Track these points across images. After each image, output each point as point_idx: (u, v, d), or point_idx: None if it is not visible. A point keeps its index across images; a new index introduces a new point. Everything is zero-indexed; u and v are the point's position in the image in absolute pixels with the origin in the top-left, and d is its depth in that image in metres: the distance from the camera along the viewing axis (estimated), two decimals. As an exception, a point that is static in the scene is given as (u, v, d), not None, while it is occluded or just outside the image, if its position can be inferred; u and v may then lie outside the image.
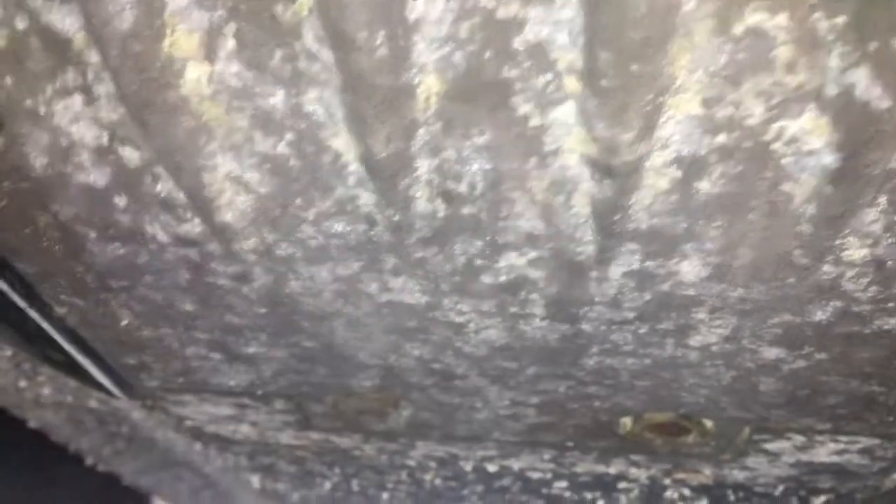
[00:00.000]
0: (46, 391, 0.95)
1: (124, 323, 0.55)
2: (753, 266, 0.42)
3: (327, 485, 0.91)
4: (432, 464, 0.80)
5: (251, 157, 0.39)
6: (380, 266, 0.46)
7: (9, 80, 0.37)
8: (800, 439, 0.63)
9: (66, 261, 0.49)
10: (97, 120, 0.38)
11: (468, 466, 0.80)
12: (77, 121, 0.39)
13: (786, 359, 0.51)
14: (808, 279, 0.42)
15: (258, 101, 0.37)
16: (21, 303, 0.56)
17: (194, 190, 0.41)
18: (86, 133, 0.39)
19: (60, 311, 0.55)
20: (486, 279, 0.46)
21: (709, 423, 0.63)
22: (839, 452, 0.64)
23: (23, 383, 0.92)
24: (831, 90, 0.33)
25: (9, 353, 0.86)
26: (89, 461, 1.17)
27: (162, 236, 0.45)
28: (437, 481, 0.86)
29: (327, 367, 0.59)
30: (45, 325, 0.60)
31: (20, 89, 0.38)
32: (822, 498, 0.77)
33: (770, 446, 0.65)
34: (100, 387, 0.73)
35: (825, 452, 0.65)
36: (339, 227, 0.43)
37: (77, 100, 0.38)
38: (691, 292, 0.45)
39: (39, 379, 0.91)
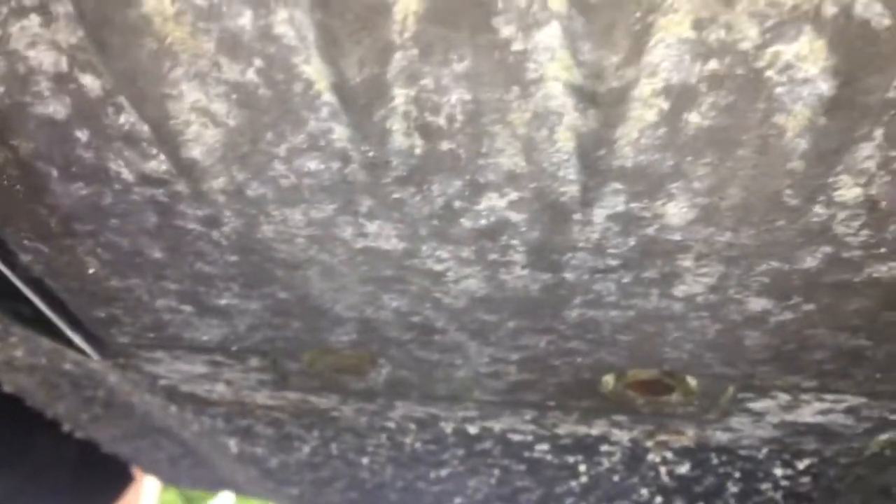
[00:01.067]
0: (19, 353, 0.93)
1: (91, 272, 0.53)
2: (742, 207, 0.40)
3: (306, 449, 0.89)
4: (412, 426, 0.79)
5: (218, 85, 0.37)
6: (355, 208, 0.44)
7: (-41, -1, 0.35)
8: (785, 398, 0.62)
9: (28, 202, 0.47)
10: (55, 43, 0.36)
11: (448, 428, 0.79)
12: (34, 44, 0.37)
13: (772, 310, 0.49)
14: (798, 222, 0.41)
15: (225, 21, 0.35)
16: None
17: (159, 122, 0.39)
18: (44, 58, 0.37)
19: (25, 258, 0.53)
20: (466, 223, 0.44)
21: (693, 382, 0.62)
22: (824, 412, 0.63)
23: (-6, 344, 0.90)
24: (829, 9, 0.31)
25: (-22, 312, 0.84)
26: (66, 427, 1.15)
27: (127, 174, 0.43)
28: (418, 445, 0.84)
29: (302, 320, 0.57)
30: (11, 276, 0.58)
31: None
32: (807, 461, 0.76)
33: (754, 405, 0.64)
34: (71, 344, 0.71)
35: (810, 412, 0.64)
36: (312, 164, 0.41)
37: (34, 20, 0.36)
38: (677, 237, 0.43)
39: (12, 340, 0.89)
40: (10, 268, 0.56)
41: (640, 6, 0.31)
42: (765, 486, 0.84)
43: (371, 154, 0.40)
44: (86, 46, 0.36)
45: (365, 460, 0.92)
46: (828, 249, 0.43)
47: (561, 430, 0.75)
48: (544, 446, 0.81)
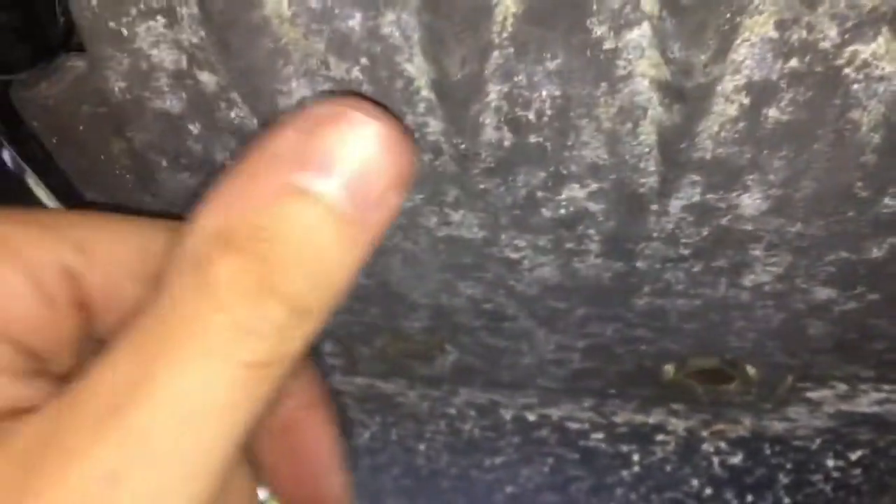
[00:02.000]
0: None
1: (185, 257, 0.56)
2: (815, 198, 0.43)
3: (366, 434, 0.93)
4: (472, 412, 0.82)
5: (325, 81, 0.40)
6: (441, 198, 0.47)
7: (94, 2, 0.39)
8: (842, 388, 0.64)
9: (136, 190, 0.50)
10: (178, 42, 0.40)
11: (508, 416, 0.82)
12: (158, 43, 0.40)
13: (837, 300, 0.51)
14: (867, 213, 0.43)
15: (336, 23, 0.37)
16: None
17: (268, 116, 0.42)
18: (166, 56, 0.40)
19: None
20: (546, 212, 0.47)
21: (752, 371, 0.64)
22: (881, 402, 0.65)
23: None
24: None
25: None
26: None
27: (230, 164, 0.47)
28: (476, 431, 0.87)
29: (380, 306, 0.60)
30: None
31: (104, 11, 0.39)
32: (859, 452, 0.77)
33: (812, 395, 0.66)
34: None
35: (867, 402, 0.65)
36: None
37: (160, 21, 0.39)
38: (749, 227, 0.46)
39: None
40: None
41: (729, 7, 0.34)
42: (816, 477, 0.85)
43: (462, 146, 0.43)
44: (206, 46, 0.39)
45: (422, 447, 0.95)
46: (895, 240, 0.45)
47: (618, 419, 0.78)
48: (600, 435, 0.83)
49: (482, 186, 0.46)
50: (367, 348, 0.69)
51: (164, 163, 0.47)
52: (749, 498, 0.96)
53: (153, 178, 0.49)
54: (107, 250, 0.33)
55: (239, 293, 0.27)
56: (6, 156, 0.51)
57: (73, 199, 0.52)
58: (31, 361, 0.30)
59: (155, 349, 0.26)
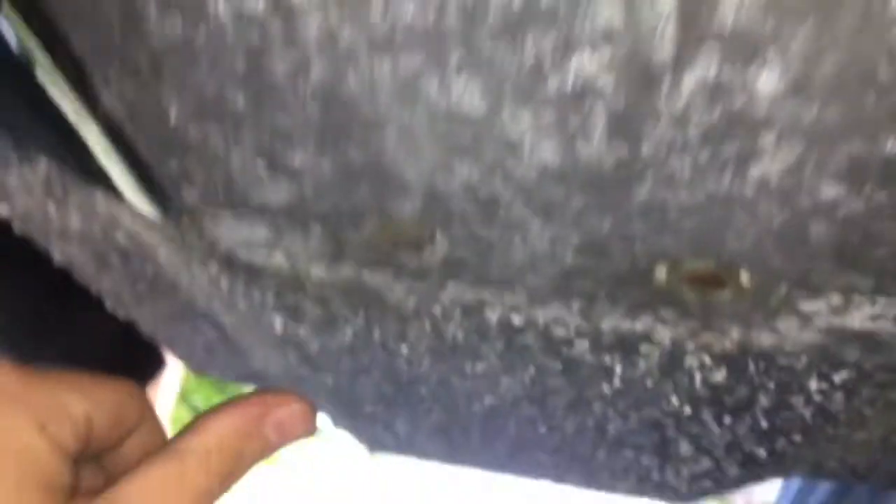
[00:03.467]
0: (74, 221, 0.94)
1: (172, 117, 0.54)
2: (835, 78, 0.41)
3: (349, 332, 0.92)
4: (458, 312, 0.81)
5: None
6: (444, 60, 0.45)
7: None
8: (837, 300, 0.63)
9: (123, 37, 0.47)
10: None
11: (493, 318, 0.81)
12: None
13: (843, 200, 0.50)
14: (887, 99, 0.41)
15: None
16: (69, 90, 0.55)
17: None
18: None
19: (108, 101, 0.54)
20: (552, 83, 0.45)
21: (746, 277, 0.63)
22: (874, 318, 0.64)
23: (52, 209, 0.92)
24: None
25: (42, 175, 0.85)
26: (109, 305, 1.18)
27: (224, 13, 0.44)
28: (459, 334, 0.86)
29: (371, 184, 0.59)
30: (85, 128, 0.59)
31: None
32: (844, 374, 0.77)
33: (805, 307, 0.65)
34: (133, 207, 0.73)
35: (860, 317, 0.65)
36: (409, 10, 0.42)
37: None
38: (763, 111, 0.44)
39: (70, 199, 0.90)
40: (92, 111, 0.57)
41: None
42: (796, 399, 0.85)
43: (470, 3, 0.40)
44: None
45: (404, 348, 0.94)
46: None
47: (605, 325, 0.77)
48: (584, 343, 0.83)
49: (488, 48, 0.43)
50: (355, 233, 0.67)
51: (153, 8, 0.45)
52: (727, 420, 0.96)
53: (141, 24, 0.46)
54: (108, 403, 0.49)
55: (204, 471, 0.49)
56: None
57: (57, 41, 0.50)
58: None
59: (166, 474, 0.47)
